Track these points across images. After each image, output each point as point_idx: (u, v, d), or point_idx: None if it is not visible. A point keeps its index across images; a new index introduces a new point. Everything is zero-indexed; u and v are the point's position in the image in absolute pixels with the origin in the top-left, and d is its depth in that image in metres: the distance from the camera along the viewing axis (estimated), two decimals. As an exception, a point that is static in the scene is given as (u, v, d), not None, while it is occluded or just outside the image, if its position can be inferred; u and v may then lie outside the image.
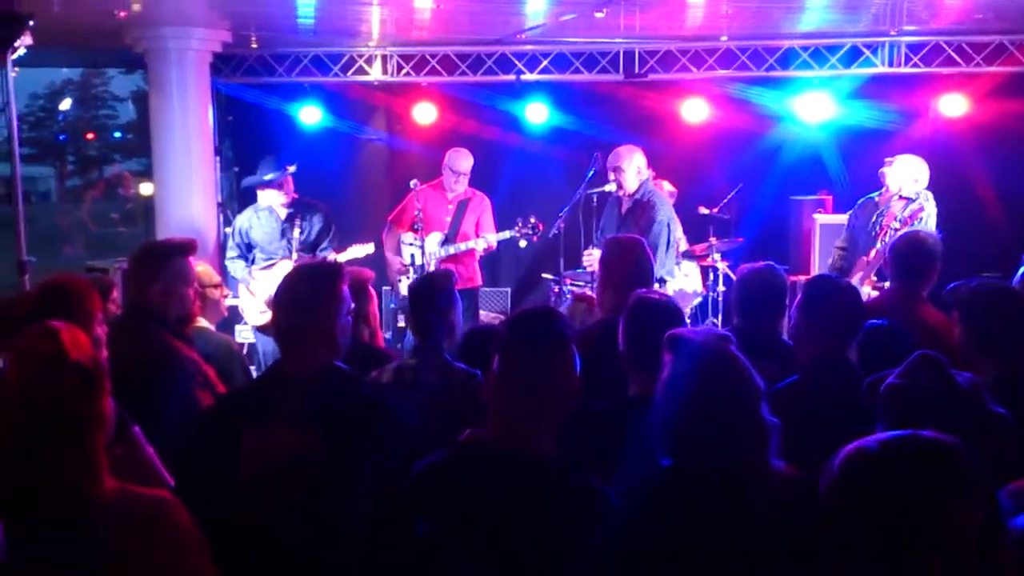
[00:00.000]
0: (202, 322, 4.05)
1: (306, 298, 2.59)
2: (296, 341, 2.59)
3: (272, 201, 6.42)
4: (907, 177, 6.15)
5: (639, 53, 7.94)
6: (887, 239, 5.97)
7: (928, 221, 5.86)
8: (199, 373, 3.12)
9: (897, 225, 5.90)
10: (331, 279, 2.64)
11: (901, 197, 6.11)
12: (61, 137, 28.44)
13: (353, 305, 2.73)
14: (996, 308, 3.04)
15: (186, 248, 3.31)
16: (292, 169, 6.44)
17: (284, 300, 2.62)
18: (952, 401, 1.85)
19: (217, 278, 4.31)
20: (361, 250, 6.50)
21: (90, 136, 28.54)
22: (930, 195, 6.08)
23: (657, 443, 2.19)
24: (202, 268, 4.24)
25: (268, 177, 6.37)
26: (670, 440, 2.12)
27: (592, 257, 6.17)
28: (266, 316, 6.26)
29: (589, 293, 5.28)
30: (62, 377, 1.80)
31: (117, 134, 28.74)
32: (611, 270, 3.71)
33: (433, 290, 3.51)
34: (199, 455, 2.57)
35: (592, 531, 2.07)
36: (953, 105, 7.77)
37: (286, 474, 2.45)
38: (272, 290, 6.31)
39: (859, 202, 6.47)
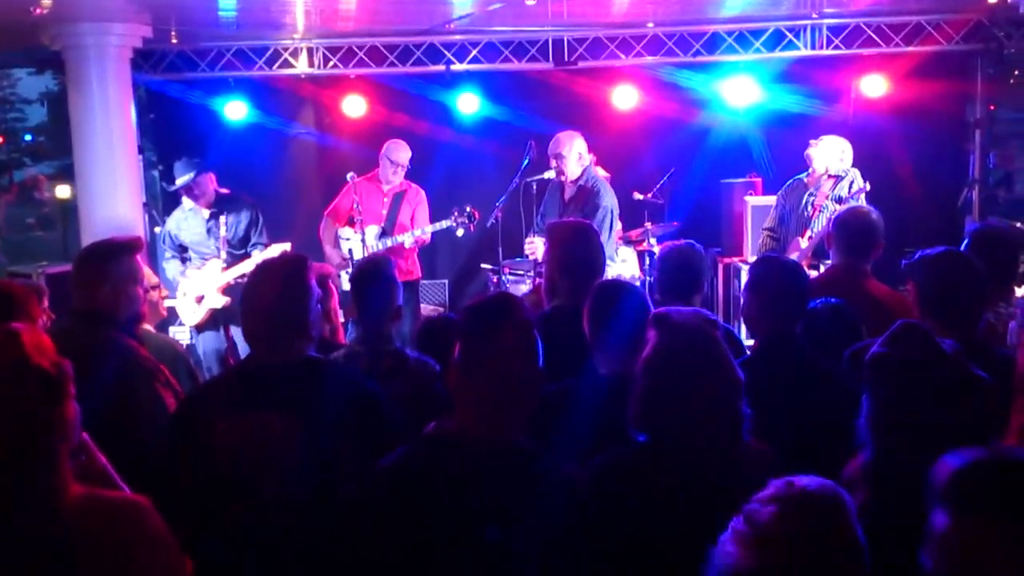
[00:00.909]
0: (143, 324, 3.96)
1: (279, 290, 2.55)
2: (271, 334, 2.54)
3: (192, 203, 6.27)
4: (833, 156, 6.29)
5: (568, 41, 7.95)
6: (821, 220, 6.10)
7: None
8: (159, 372, 3.04)
9: (831, 204, 6.03)
10: (300, 270, 2.61)
11: (830, 176, 6.26)
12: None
13: (320, 294, 2.69)
14: (951, 273, 3.11)
15: (133, 246, 3.22)
16: (202, 165, 6.24)
17: (256, 294, 2.57)
18: (938, 368, 1.88)
19: (155, 279, 4.21)
20: (277, 249, 6.23)
21: (-1, 140, 27.53)
22: (857, 172, 6.24)
23: (632, 420, 2.20)
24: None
25: (180, 181, 6.19)
26: (649, 416, 2.12)
27: (533, 245, 6.19)
28: (200, 313, 6.14)
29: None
30: (24, 382, 1.72)
31: (28, 137, 27.77)
32: (567, 255, 3.68)
33: (378, 275, 3.48)
34: (175, 452, 2.51)
35: (567, 516, 2.07)
36: (873, 86, 7.96)
37: (267, 465, 2.41)
38: (201, 289, 6.23)
39: (787, 184, 6.58)
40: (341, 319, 4.01)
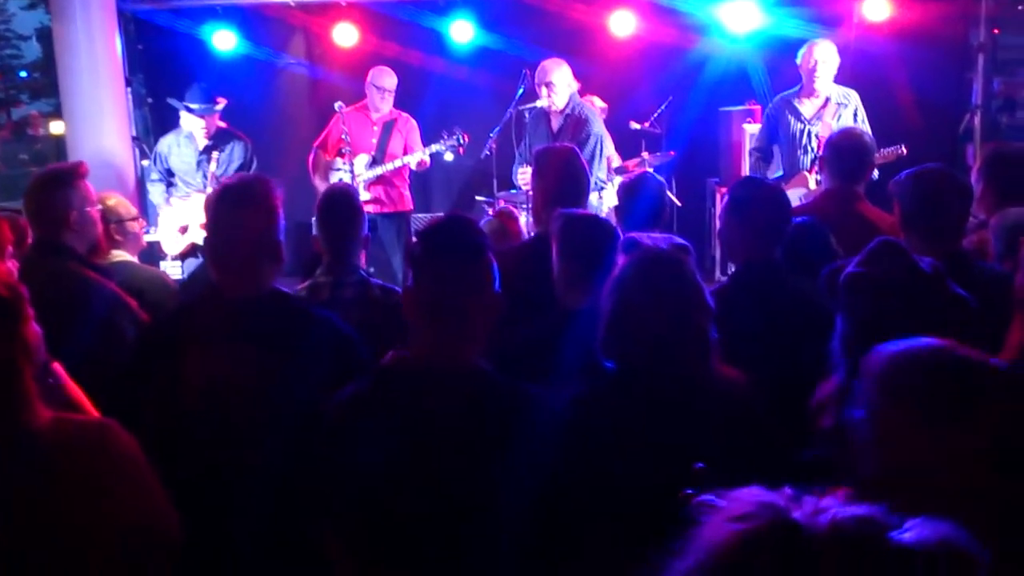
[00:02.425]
0: (125, 255, 3.92)
1: (241, 218, 2.46)
2: (233, 265, 2.47)
3: (194, 127, 6.15)
4: (832, 75, 5.86)
5: (563, -36, 7.75)
6: None
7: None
8: (122, 304, 3.00)
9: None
10: (268, 191, 2.51)
11: (827, 103, 5.86)
12: (-38, 79, 27.10)
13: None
14: (932, 187, 3.06)
15: (81, 171, 3.17)
16: (221, 103, 6.18)
17: (218, 222, 2.48)
18: (916, 285, 1.83)
19: (134, 211, 4.18)
20: None
21: (-6, 77, 27.24)
22: (858, 97, 5.94)
23: (601, 347, 2.15)
24: (116, 200, 4.09)
25: (194, 106, 6.09)
26: (619, 342, 2.08)
27: (526, 175, 6.09)
28: (182, 244, 6.09)
29: (509, 210, 5.22)
30: None
31: (23, 74, 27.47)
32: (546, 182, 3.63)
33: (345, 203, 3.43)
34: (138, 378, 2.47)
35: (531, 436, 2.03)
36: (876, 8, 7.75)
37: (230, 398, 2.37)
38: (184, 220, 6.16)
39: (776, 101, 6.17)
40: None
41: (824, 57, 5.83)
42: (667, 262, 2.15)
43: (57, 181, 3.11)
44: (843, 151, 3.99)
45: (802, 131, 5.91)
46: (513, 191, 6.73)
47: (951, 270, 2.78)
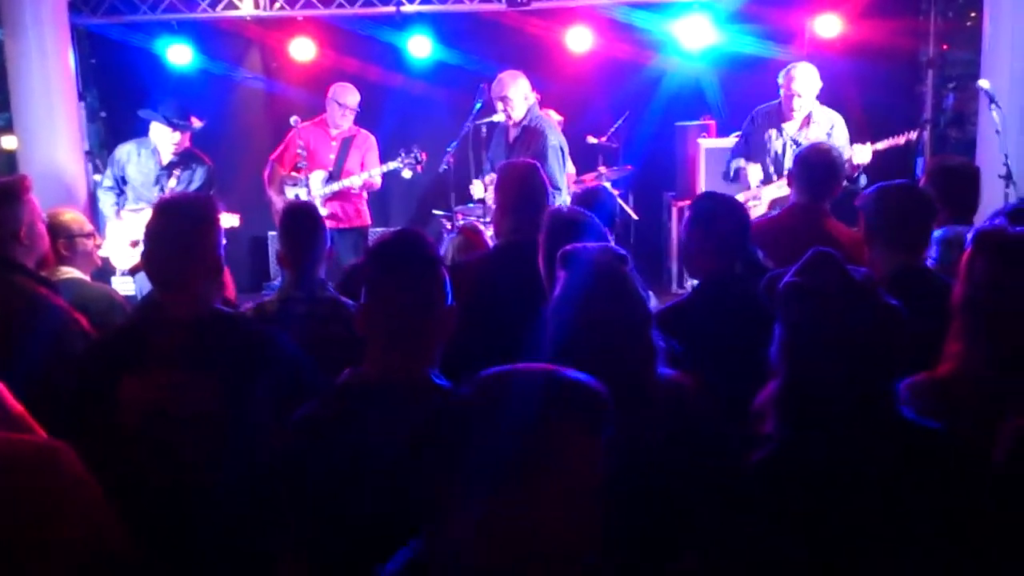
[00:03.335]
0: (75, 272, 3.85)
1: (183, 233, 2.43)
2: (175, 281, 2.44)
3: (161, 141, 5.98)
4: (815, 88, 5.69)
5: (520, -20, 7.78)
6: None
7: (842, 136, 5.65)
8: (71, 321, 2.95)
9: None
10: (208, 206, 2.50)
11: (810, 122, 5.71)
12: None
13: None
14: (897, 201, 3.12)
15: (27, 184, 3.12)
16: (198, 124, 6.06)
17: (159, 237, 2.45)
18: (848, 295, 1.87)
19: (89, 227, 4.08)
20: (227, 220, 5.85)
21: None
22: (839, 117, 5.76)
23: (548, 360, 2.15)
24: (71, 216, 4.02)
25: (175, 120, 5.91)
26: (561, 354, 2.09)
27: (477, 189, 6.13)
28: (133, 258, 5.96)
29: (474, 224, 5.21)
30: None
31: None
32: (507, 195, 3.64)
33: (311, 218, 3.44)
34: (76, 404, 2.43)
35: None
36: (828, 25, 7.90)
37: (176, 425, 2.33)
38: (136, 234, 6.00)
39: (759, 112, 6.01)
40: None
41: (803, 83, 5.68)
42: (605, 273, 2.17)
43: (6, 196, 3.06)
44: (814, 167, 3.98)
45: (781, 142, 5.82)
46: (470, 205, 6.74)
47: (911, 283, 2.83)
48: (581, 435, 1.42)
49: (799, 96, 5.66)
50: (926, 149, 7.93)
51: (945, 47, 8.24)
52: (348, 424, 2.02)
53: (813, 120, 5.73)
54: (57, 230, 3.72)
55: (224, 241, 2.54)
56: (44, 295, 2.97)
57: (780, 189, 5.74)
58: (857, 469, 1.84)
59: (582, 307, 2.12)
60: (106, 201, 6.14)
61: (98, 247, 4.15)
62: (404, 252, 2.08)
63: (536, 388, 1.45)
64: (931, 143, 7.96)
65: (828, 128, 5.68)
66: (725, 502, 1.94)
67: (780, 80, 5.82)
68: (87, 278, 3.95)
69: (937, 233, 3.42)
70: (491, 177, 6.20)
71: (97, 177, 7.07)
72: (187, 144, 6.07)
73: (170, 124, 5.91)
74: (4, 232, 2.98)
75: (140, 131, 6.18)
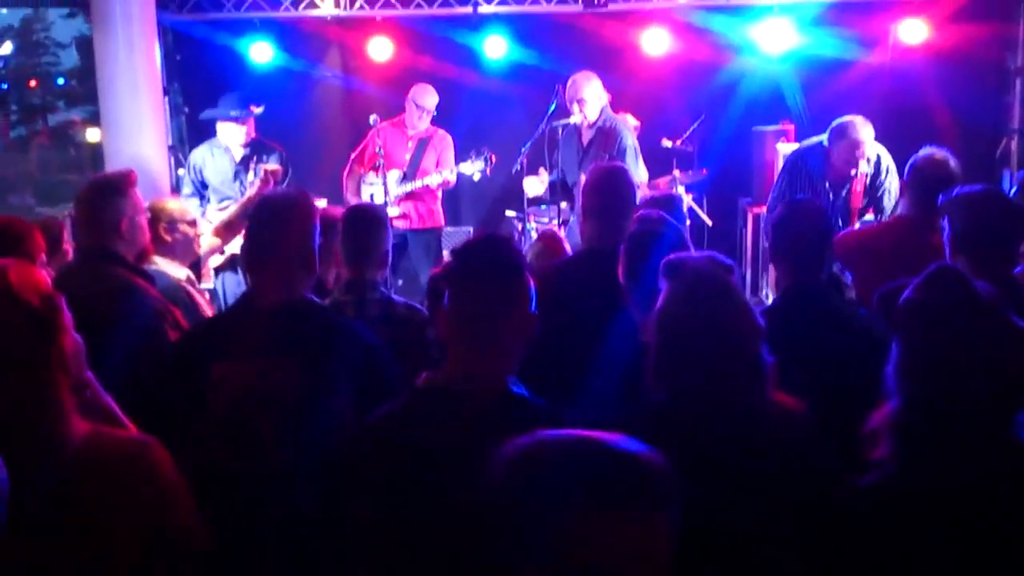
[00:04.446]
0: (160, 263, 3.92)
1: (279, 226, 2.51)
2: (268, 272, 2.51)
3: (230, 138, 6.14)
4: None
5: (598, -18, 7.75)
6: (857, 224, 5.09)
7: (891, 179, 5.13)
8: (167, 312, 3.02)
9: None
10: (305, 202, 2.58)
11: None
12: (3, 85, 27.54)
13: (320, 240, 2.65)
14: (987, 210, 2.99)
15: (132, 179, 3.21)
16: (258, 110, 6.18)
17: (256, 230, 2.54)
18: (972, 314, 1.77)
19: (192, 215, 4.10)
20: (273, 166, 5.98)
21: (33, 84, 27.66)
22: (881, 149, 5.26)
23: (650, 377, 2.11)
24: (175, 204, 4.07)
25: (233, 113, 6.07)
26: (665, 373, 2.04)
27: (531, 185, 6.14)
28: (219, 257, 6.09)
29: (553, 231, 5.19)
30: (10, 316, 1.69)
31: (60, 81, 27.89)
32: (591, 199, 3.60)
33: (371, 220, 3.43)
34: (166, 393, 2.49)
35: None
36: (913, 31, 7.69)
37: (260, 410, 2.38)
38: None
39: (803, 148, 5.52)
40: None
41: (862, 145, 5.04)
42: (712, 286, 2.09)
43: (110, 189, 3.14)
44: (930, 177, 3.69)
45: (826, 194, 5.25)
46: (543, 207, 6.74)
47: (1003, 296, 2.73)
48: (634, 524, 1.21)
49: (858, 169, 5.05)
50: (1012, 160, 7.68)
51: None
52: (421, 430, 2.01)
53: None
54: (159, 215, 3.74)
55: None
56: (142, 287, 3.05)
57: None
58: (978, 496, 1.77)
59: (688, 321, 2.05)
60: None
61: (199, 236, 4.18)
62: (490, 256, 2.06)
63: (575, 468, 1.24)
64: (1019, 154, 7.71)
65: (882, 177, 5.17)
66: (838, 532, 1.87)
67: (825, 141, 5.26)
68: (184, 267, 3.96)
69: None
70: (545, 176, 6.23)
71: (181, 172, 7.23)
72: (253, 135, 6.19)
73: (232, 119, 6.04)
74: (105, 224, 3.06)
75: (215, 129, 6.32)
